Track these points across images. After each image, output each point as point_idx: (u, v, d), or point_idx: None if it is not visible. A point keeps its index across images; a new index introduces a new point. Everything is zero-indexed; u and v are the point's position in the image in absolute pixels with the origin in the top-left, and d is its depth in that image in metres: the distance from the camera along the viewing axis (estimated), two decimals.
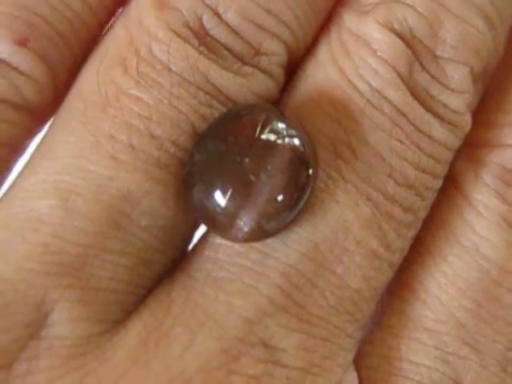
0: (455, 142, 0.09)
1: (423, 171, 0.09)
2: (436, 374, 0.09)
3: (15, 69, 0.08)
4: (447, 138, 0.09)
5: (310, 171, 0.08)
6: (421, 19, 0.09)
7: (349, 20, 0.09)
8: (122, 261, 0.08)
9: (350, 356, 0.09)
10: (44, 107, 0.09)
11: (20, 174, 0.08)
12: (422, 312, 0.09)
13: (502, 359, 0.09)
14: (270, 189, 0.08)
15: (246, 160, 0.08)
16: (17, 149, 0.09)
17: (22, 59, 0.08)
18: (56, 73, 0.09)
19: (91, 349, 0.08)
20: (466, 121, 0.09)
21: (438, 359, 0.09)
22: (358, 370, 0.09)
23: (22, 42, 0.08)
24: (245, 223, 0.08)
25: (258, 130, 0.08)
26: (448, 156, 0.09)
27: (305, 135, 0.08)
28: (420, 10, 0.09)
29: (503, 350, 0.09)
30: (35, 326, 0.08)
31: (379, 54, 0.09)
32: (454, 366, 0.09)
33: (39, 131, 0.09)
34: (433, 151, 0.09)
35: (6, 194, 0.08)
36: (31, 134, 0.09)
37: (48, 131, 0.08)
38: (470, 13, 0.09)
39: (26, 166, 0.08)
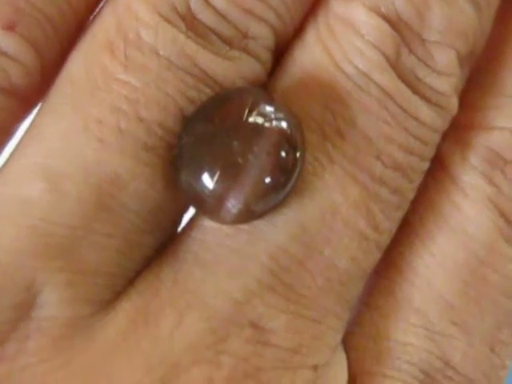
0: (442, 124, 0.09)
1: (410, 153, 0.09)
2: (424, 354, 0.09)
3: (3, 53, 0.08)
4: (434, 120, 0.09)
5: (298, 154, 0.08)
6: (408, 3, 0.09)
7: (336, 4, 0.09)
8: (111, 243, 0.08)
9: (339, 336, 0.09)
10: (32, 91, 0.09)
11: (9, 158, 0.08)
12: (410, 292, 0.09)
13: (489, 338, 0.09)
14: (258, 171, 0.08)
15: (234, 143, 0.08)
16: (5, 133, 0.09)
17: (10, 44, 0.08)
18: (44, 57, 0.09)
19: (81, 329, 0.08)
20: (453, 103, 0.09)
21: (426, 339, 0.09)
22: (346, 351, 0.10)
23: (9, 27, 0.08)
24: (233, 205, 0.08)
25: (246, 113, 0.08)
26: (435, 138, 0.09)
27: (292, 118, 0.08)
28: None
29: (490, 329, 0.09)
30: (25, 308, 0.08)
31: (366, 37, 0.09)
32: (441, 345, 0.09)
33: (28, 115, 0.09)
34: (420, 133, 0.09)
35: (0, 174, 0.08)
36: (20, 118, 0.09)
37: (37, 115, 0.08)
38: None
39: (15, 150, 0.08)
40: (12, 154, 0.08)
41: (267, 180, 0.08)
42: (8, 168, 0.08)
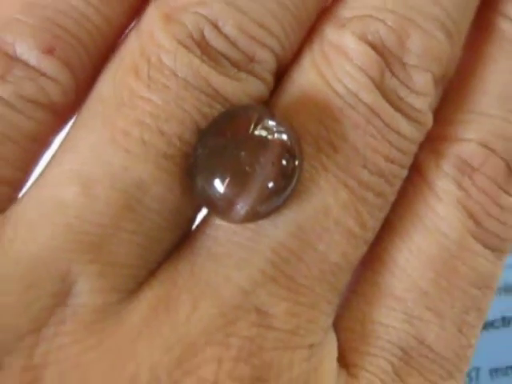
0: (419, 137, 0.10)
1: (392, 162, 0.10)
2: (403, 334, 0.10)
3: (43, 74, 0.09)
4: (412, 133, 0.10)
5: (296, 163, 0.09)
6: (390, 32, 0.10)
7: (329, 32, 0.10)
8: (136, 239, 0.09)
9: (330, 320, 0.10)
10: (67, 108, 0.10)
11: (47, 166, 0.09)
12: (391, 282, 0.10)
13: (458, 322, 0.10)
14: (263, 178, 0.09)
15: (242, 153, 0.09)
16: (44, 144, 0.09)
17: (49, 66, 0.09)
18: (78, 77, 0.09)
19: (110, 315, 0.09)
20: (429, 119, 0.10)
21: (404, 322, 0.10)
22: (336, 332, 0.10)
23: (49, 51, 0.09)
24: (241, 207, 0.09)
25: (252, 127, 0.09)
26: (413, 149, 0.10)
27: (292, 132, 0.09)
28: (390, 23, 0.10)
29: (460, 313, 0.10)
30: (61, 296, 0.09)
31: (355, 62, 0.10)
32: (417, 327, 0.10)
33: (63, 129, 0.10)
34: (400, 145, 0.10)
35: (34, 182, 0.09)
36: (56, 130, 0.09)
37: (71, 128, 0.09)
38: (433, 26, 0.10)
39: (51, 159, 0.09)
40: (49, 162, 0.09)
41: (270, 185, 0.09)
42: (45, 174, 0.09)
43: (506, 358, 0.17)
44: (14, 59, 0.09)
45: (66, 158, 0.09)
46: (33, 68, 0.09)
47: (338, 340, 0.10)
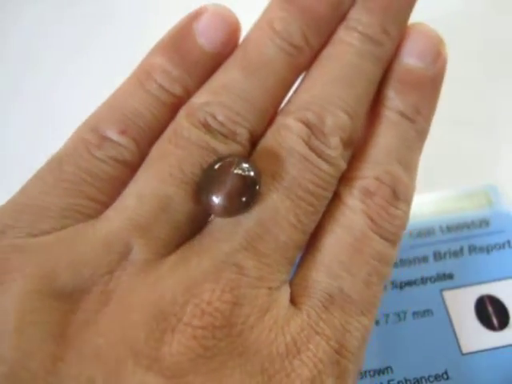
0: (335, 173, 0.14)
1: (317, 186, 0.13)
2: (329, 286, 0.13)
3: (120, 145, 0.13)
4: (330, 170, 0.14)
5: (258, 184, 0.13)
6: (315, 116, 0.14)
7: (281, 118, 0.14)
8: (167, 226, 0.12)
9: (284, 276, 0.13)
10: (135, 163, 0.13)
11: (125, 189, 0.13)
12: (321, 255, 0.13)
13: (365, 280, 0.13)
14: (237, 190, 0.12)
15: (227, 181, 0.13)
16: (122, 183, 0.13)
17: (123, 140, 0.13)
18: (141, 147, 0.14)
19: (151, 266, 0.12)
20: (341, 163, 0.14)
21: (330, 279, 0.13)
22: (290, 286, 0.13)
23: (123, 132, 0.14)
24: (227, 208, 0.12)
25: (233, 167, 0.13)
26: (332, 180, 0.14)
27: (256, 170, 0.13)
28: (315, 111, 0.14)
29: (365, 275, 0.13)
30: (124, 254, 0.12)
31: (294, 132, 0.14)
32: (338, 282, 0.13)
33: (134, 173, 0.14)
34: (322, 176, 0.13)
35: (117, 199, 0.13)
36: (129, 176, 0.13)
37: (138, 173, 0.13)
38: (339, 112, 0.14)
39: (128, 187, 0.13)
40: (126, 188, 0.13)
41: (243, 199, 0.13)
42: (122, 194, 0.13)
43: None
44: (104, 138, 0.13)
45: (132, 185, 0.13)
46: (114, 142, 0.13)
47: (291, 291, 0.13)
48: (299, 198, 0.13)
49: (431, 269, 0.19)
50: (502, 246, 0.19)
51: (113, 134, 0.14)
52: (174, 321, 0.11)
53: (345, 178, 0.14)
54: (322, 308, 0.13)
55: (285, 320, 0.12)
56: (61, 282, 0.12)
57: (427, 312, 0.18)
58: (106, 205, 0.13)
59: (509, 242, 0.19)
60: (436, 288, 0.18)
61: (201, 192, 0.13)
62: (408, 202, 0.14)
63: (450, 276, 0.19)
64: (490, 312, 0.18)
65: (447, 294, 0.18)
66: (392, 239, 0.14)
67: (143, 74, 0.14)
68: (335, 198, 0.14)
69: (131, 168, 0.14)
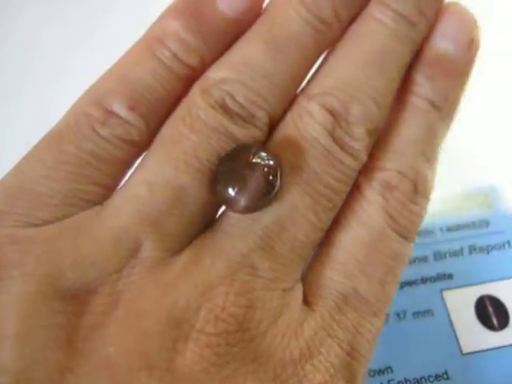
0: (357, 166, 0.13)
1: (338, 181, 0.13)
2: (343, 286, 0.13)
3: (127, 122, 0.12)
4: (352, 164, 0.13)
5: (278, 179, 0.12)
6: (340, 103, 0.13)
7: (303, 102, 0.13)
8: (180, 220, 0.12)
9: (298, 275, 0.13)
10: (143, 143, 0.13)
11: (130, 175, 0.12)
12: (337, 253, 0.13)
13: (380, 280, 0.13)
14: (257, 187, 0.12)
15: (245, 172, 0.12)
16: (127, 164, 0.13)
17: (132, 117, 0.12)
18: (150, 125, 0.12)
19: (162, 264, 0.12)
20: (364, 155, 0.13)
21: (344, 278, 0.13)
22: (302, 284, 0.13)
23: (132, 108, 0.12)
24: (244, 204, 0.12)
25: (251, 156, 0.12)
26: (353, 174, 0.13)
27: (275, 160, 0.12)
28: (340, 98, 0.13)
29: (381, 275, 0.13)
30: (134, 251, 0.11)
31: (317, 120, 0.13)
32: (353, 282, 0.13)
33: (140, 155, 0.13)
34: (344, 170, 0.13)
35: (124, 185, 0.12)
36: (135, 157, 0.13)
37: (146, 154, 0.13)
38: (367, 99, 0.13)
39: (133, 170, 0.13)
40: (132, 173, 0.13)
41: (262, 191, 0.12)
42: (128, 180, 0.12)
43: None
44: (111, 113, 0.12)
45: (141, 170, 0.12)
46: (122, 119, 0.12)
47: (303, 289, 0.13)
48: (319, 194, 0.13)
49: (431, 269, 0.19)
50: (501, 247, 0.19)
51: (120, 110, 0.12)
52: (186, 328, 0.11)
53: (365, 168, 0.14)
54: (335, 309, 0.12)
55: (298, 323, 0.12)
56: (65, 281, 0.11)
57: (427, 312, 0.18)
58: (110, 188, 0.12)
59: (509, 242, 0.19)
60: (436, 288, 0.19)
61: (217, 183, 0.12)
62: (427, 197, 0.14)
63: (450, 276, 0.19)
64: (490, 312, 0.18)
65: (447, 294, 0.18)
66: (409, 237, 0.14)
67: (154, 39, 0.13)
68: (354, 190, 0.14)
69: (138, 148, 0.13)
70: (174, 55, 0.13)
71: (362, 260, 0.13)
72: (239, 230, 0.12)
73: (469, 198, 0.19)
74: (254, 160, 0.12)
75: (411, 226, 0.14)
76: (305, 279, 0.13)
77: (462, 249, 0.19)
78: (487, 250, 0.19)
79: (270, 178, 0.12)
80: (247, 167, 0.12)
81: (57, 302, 0.10)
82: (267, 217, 0.12)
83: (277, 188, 0.12)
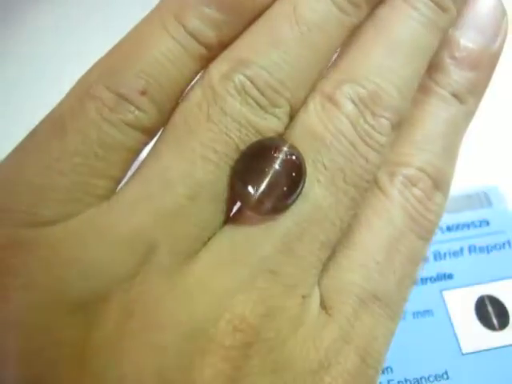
0: (379, 162, 0.13)
1: (361, 178, 0.12)
2: (361, 289, 0.12)
3: (138, 107, 0.11)
4: (376, 160, 0.12)
5: (302, 177, 0.12)
6: (366, 94, 0.12)
7: (327, 90, 0.12)
8: (194, 221, 0.11)
9: (316, 279, 0.12)
10: (153, 129, 0.12)
11: (139, 166, 0.12)
12: (356, 255, 0.13)
13: (398, 283, 0.13)
14: (280, 185, 0.11)
15: (266, 169, 0.11)
16: (136, 152, 0.12)
17: (142, 102, 0.11)
18: (161, 110, 0.12)
19: (179, 270, 0.11)
20: (387, 151, 0.13)
21: (363, 281, 0.12)
22: (319, 287, 0.13)
23: (143, 93, 0.11)
24: (265, 205, 0.11)
25: (273, 151, 0.12)
26: (376, 170, 0.13)
27: (299, 155, 0.12)
28: (366, 88, 0.12)
29: (399, 278, 0.13)
30: (148, 256, 0.11)
31: (342, 111, 0.12)
32: (371, 285, 0.12)
33: (150, 142, 0.12)
34: (368, 167, 0.12)
35: (133, 178, 0.12)
36: (145, 144, 0.12)
37: (157, 141, 0.12)
38: (393, 90, 0.12)
39: (141, 163, 0.12)
40: (140, 165, 0.12)
41: (285, 189, 0.11)
42: (139, 172, 0.11)
43: None
44: (120, 96, 0.11)
45: (153, 163, 0.11)
46: (132, 104, 0.11)
47: (320, 292, 0.12)
48: (342, 193, 0.12)
49: (431, 269, 0.19)
50: (501, 246, 0.19)
51: (131, 94, 0.11)
52: (204, 341, 0.10)
53: (386, 162, 0.13)
54: (353, 315, 0.12)
55: (316, 331, 0.12)
56: (73, 291, 0.10)
57: (427, 312, 0.18)
58: (118, 181, 0.12)
59: (509, 242, 0.19)
60: (436, 288, 0.18)
61: (236, 180, 0.12)
62: (446, 193, 0.14)
63: (450, 276, 0.19)
64: (489, 312, 0.18)
65: (447, 294, 0.18)
66: (428, 237, 0.13)
67: (168, 14, 0.12)
68: (373, 186, 0.13)
69: (148, 135, 0.12)
70: (191, 33, 0.12)
71: (382, 262, 0.13)
72: (258, 232, 0.12)
73: (469, 198, 0.19)
74: (276, 155, 0.12)
75: (430, 226, 0.13)
76: (321, 282, 0.13)
77: (461, 249, 0.19)
78: (487, 249, 0.19)
79: (294, 175, 0.12)
80: (269, 164, 0.11)
81: (65, 314, 0.10)
82: (288, 218, 0.12)
83: (301, 187, 0.12)
